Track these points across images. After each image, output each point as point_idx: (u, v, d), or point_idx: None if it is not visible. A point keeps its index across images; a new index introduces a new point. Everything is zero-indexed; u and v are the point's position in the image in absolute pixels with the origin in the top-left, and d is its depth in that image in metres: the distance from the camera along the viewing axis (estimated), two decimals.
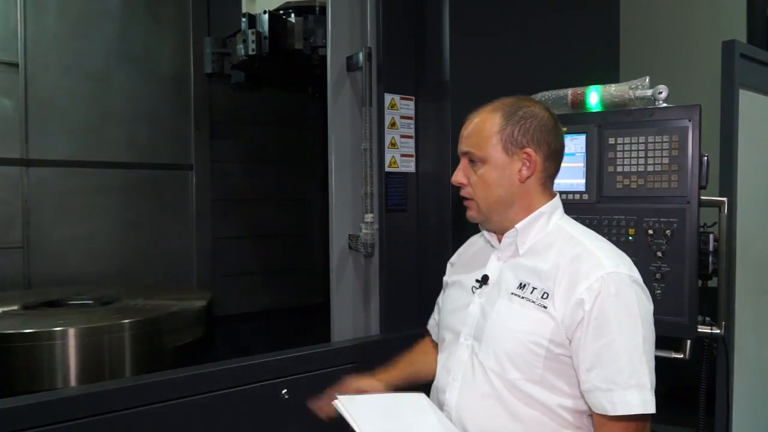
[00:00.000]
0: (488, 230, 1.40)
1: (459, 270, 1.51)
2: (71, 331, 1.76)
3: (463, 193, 1.36)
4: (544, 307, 1.22)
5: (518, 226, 1.32)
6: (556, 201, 1.36)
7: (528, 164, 1.30)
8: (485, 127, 1.33)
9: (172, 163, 3.26)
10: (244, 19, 2.75)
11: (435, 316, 1.62)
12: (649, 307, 1.22)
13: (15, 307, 2.11)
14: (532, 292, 1.26)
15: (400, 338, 1.93)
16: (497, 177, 1.31)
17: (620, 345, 1.16)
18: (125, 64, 3.09)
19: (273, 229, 3.66)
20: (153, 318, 1.96)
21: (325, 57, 2.06)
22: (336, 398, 1.31)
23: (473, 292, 1.38)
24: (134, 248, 3.09)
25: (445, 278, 1.58)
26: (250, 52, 2.70)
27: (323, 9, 2.42)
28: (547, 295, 1.23)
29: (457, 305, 1.42)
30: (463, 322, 1.37)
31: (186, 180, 3.32)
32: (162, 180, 3.23)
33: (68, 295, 2.39)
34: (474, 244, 1.53)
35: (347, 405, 1.27)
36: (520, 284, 1.28)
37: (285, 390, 1.65)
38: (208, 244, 3.34)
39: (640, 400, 1.13)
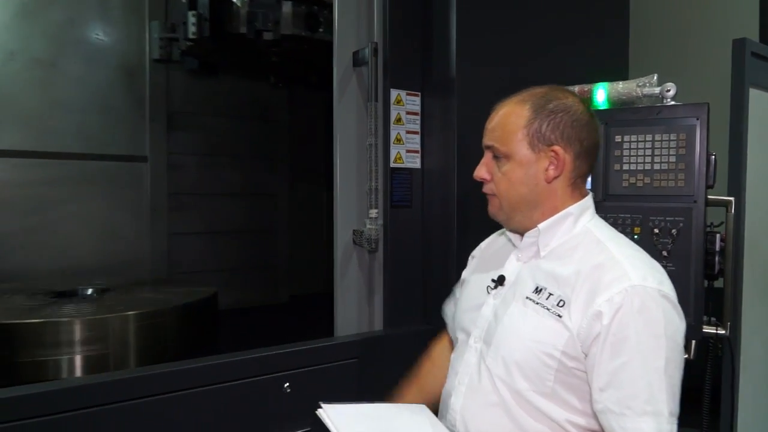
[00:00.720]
0: (510, 230, 1.31)
1: (478, 266, 1.44)
2: (77, 323, 1.77)
3: (486, 189, 1.28)
4: (559, 315, 1.13)
5: (541, 226, 1.23)
6: (587, 201, 1.27)
7: (555, 163, 1.19)
8: (511, 120, 1.22)
9: (125, 155, 3.04)
10: (184, 0, 2.58)
11: (451, 307, 1.53)
12: (680, 326, 1.11)
13: (25, 298, 2.13)
14: (548, 298, 1.16)
15: (403, 334, 1.94)
16: (522, 175, 1.22)
17: (638, 366, 1.06)
18: (75, 50, 2.88)
19: (234, 225, 3.44)
20: (158, 310, 1.97)
21: (273, 42, 2.07)
22: (320, 407, 1.24)
23: (488, 292, 1.29)
24: (85, 243, 2.91)
25: (464, 272, 1.50)
26: (191, 36, 2.51)
27: None
28: (564, 303, 1.14)
29: (471, 304, 1.34)
30: (475, 323, 1.29)
31: (141, 172, 3.12)
32: (115, 172, 3.03)
33: (74, 286, 2.41)
34: (496, 240, 1.46)
35: (330, 414, 1.22)
36: (537, 288, 1.20)
37: (287, 384, 1.66)
38: (164, 240, 3.15)
39: (655, 429, 1.04)
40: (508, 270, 1.29)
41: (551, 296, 1.16)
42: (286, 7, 2.26)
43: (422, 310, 2.03)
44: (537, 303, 1.17)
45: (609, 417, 1.08)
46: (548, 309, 1.15)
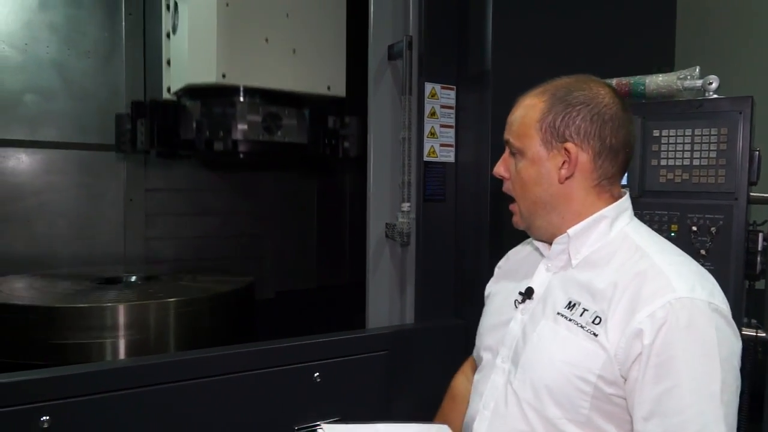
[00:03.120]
0: (536, 238, 1.21)
1: (503, 278, 1.34)
2: (120, 308, 1.86)
3: (504, 188, 1.20)
4: (595, 334, 1.00)
5: (571, 231, 1.11)
6: (623, 203, 1.15)
7: (568, 163, 1.09)
8: (527, 113, 1.14)
9: (101, 144, 2.88)
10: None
11: None
12: (735, 345, 0.98)
13: (67, 284, 2.24)
14: (582, 315, 1.04)
15: (433, 328, 1.94)
16: (534, 174, 1.12)
17: (688, 392, 0.92)
18: (48, 34, 2.78)
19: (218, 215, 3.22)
20: (196, 298, 2.04)
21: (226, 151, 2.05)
22: (320, 427, 1.19)
23: (516, 307, 1.18)
24: (58, 235, 2.83)
25: (488, 284, 1.40)
26: (139, 146, 2.42)
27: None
28: (600, 320, 1.01)
29: (497, 321, 1.23)
30: (502, 341, 1.17)
31: (117, 163, 2.96)
32: (90, 162, 2.90)
33: (119, 274, 2.51)
34: (523, 249, 1.35)
35: None
36: (569, 303, 1.08)
37: (317, 373, 1.69)
38: (141, 232, 2.99)
39: None
40: (537, 281, 1.17)
41: (586, 312, 1.04)
42: (241, 115, 2.14)
43: (453, 304, 2.03)
44: (570, 320, 1.06)
45: None
46: (582, 327, 1.03)
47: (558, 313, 1.09)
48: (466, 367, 1.49)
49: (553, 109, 1.11)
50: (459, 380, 1.47)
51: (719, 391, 0.92)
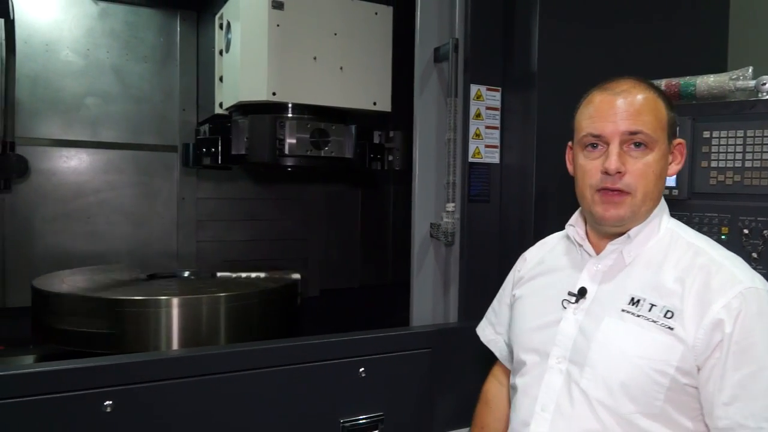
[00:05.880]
0: (602, 232, 1.20)
1: (531, 279, 1.35)
2: (175, 301, 1.94)
3: (620, 184, 1.12)
4: (670, 328, 1.04)
5: (632, 232, 1.15)
6: (664, 201, 1.21)
7: (680, 158, 1.17)
8: (657, 106, 1.14)
9: (156, 144, 3.03)
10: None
11: (495, 327, 1.48)
12: None
13: (126, 278, 2.34)
14: (650, 310, 1.08)
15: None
16: (660, 169, 1.13)
17: None
18: (108, 40, 2.91)
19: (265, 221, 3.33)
20: (247, 293, 2.11)
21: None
22: None
23: (564, 307, 1.20)
24: (115, 232, 2.96)
25: (512, 290, 1.41)
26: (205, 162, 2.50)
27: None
28: (672, 314, 1.05)
29: (541, 322, 1.23)
30: (553, 342, 1.18)
31: (170, 163, 3.08)
32: (145, 162, 3.03)
33: (172, 269, 2.61)
34: (547, 249, 1.37)
35: None
36: (633, 300, 1.11)
37: (362, 368, 1.73)
38: (192, 230, 3.12)
39: None
40: (587, 280, 1.19)
41: (654, 307, 1.08)
42: (290, 131, 2.20)
43: None
44: (638, 316, 1.09)
45: None
46: (655, 322, 1.06)
47: (622, 310, 1.11)
48: (497, 371, 1.51)
49: (672, 106, 1.17)
50: (491, 385, 1.49)
51: None
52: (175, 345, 1.93)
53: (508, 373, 1.45)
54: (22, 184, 2.76)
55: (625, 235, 1.16)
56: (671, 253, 1.13)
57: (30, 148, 2.75)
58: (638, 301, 1.10)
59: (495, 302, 1.52)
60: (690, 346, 1.03)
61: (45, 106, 2.82)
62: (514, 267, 1.48)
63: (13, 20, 2.50)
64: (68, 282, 2.21)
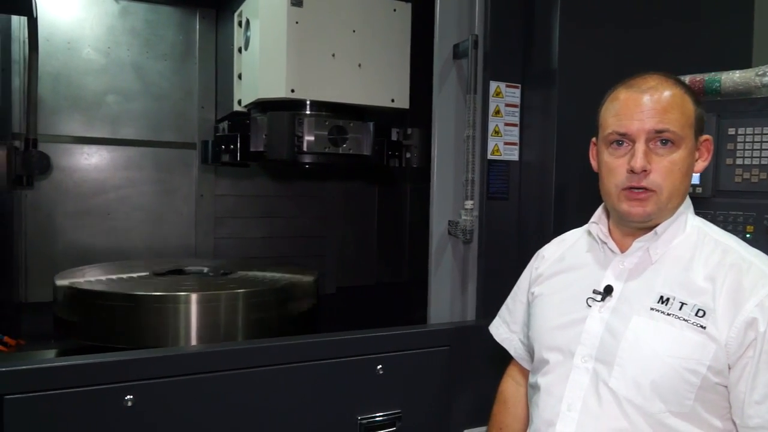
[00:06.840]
0: (629, 228, 1.19)
1: (551, 277, 1.33)
2: (194, 296, 1.96)
3: (645, 182, 1.11)
4: (702, 327, 1.04)
5: (658, 229, 1.14)
6: (689, 198, 1.19)
7: (707, 154, 1.16)
8: (684, 103, 1.12)
9: (175, 141, 3.06)
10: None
11: (510, 325, 1.46)
12: None
13: (145, 273, 2.37)
14: (681, 308, 1.07)
15: None
16: (687, 166, 1.12)
17: None
18: (129, 38, 2.94)
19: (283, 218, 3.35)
20: (265, 290, 2.12)
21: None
22: None
23: (588, 305, 1.18)
24: (135, 228, 2.99)
25: (530, 288, 1.39)
26: (223, 160, 2.51)
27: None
28: (704, 312, 1.05)
29: (565, 320, 1.21)
30: (578, 340, 1.17)
31: (189, 160, 3.11)
32: (164, 159, 3.06)
33: (186, 265, 2.63)
34: (567, 245, 1.35)
35: None
36: (662, 298, 1.10)
37: (380, 366, 1.73)
38: (211, 227, 3.15)
39: None
40: (612, 278, 1.18)
41: (684, 306, 1.07)
42: (308, 128, 2.21)
43: None
44: (668, 314, 1.08)
45: None
46: (686, 320, 1.06)
47: (651, 309, 1.10)
48: (512, 370, 1.49)
49: (696, 101, 1.15)
50: (508, 384, 1.48)
51: None
52: (193, 341, 1.94)
53: (523, 371, 1.44)
54: (44, 181, 2.80)
55: (652, 232, 1.15)
56: (699, 250, 1.12)
57: (52, 145, 2.79)
58: (667, 299, 1.10)
59: (509, 300, 1.51)
60: (722, 344, 1.03)
61: (66, 103, 2.86)
62: (529, 264, 1.46)
63: (35, 18, 2.53)
64: (89, 277, 2.23)
